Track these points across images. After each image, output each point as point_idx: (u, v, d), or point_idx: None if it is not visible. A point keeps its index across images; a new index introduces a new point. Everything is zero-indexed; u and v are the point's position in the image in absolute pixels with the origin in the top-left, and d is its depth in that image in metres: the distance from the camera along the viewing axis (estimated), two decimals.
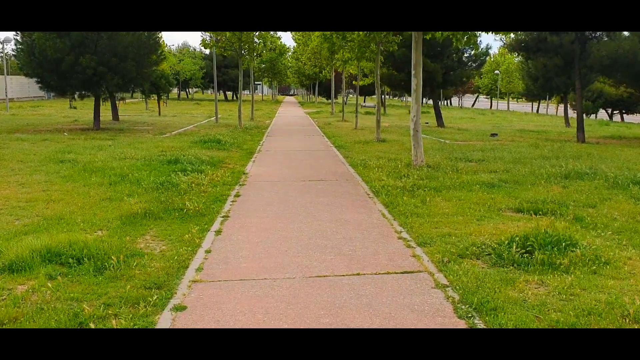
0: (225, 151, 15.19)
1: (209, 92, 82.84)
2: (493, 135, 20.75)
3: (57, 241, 5.89)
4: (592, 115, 47.11)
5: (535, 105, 69.60)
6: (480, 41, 31.68)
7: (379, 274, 5.16)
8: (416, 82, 12.04)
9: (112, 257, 5.56)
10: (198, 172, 10.82)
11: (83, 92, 22.21)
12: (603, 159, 13.42)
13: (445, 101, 77.66)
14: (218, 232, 6.67)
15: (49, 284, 4.88)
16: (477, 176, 10.55)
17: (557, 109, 59.53)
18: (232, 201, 8.56)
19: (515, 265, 5.24)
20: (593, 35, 19.25)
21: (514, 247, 5.46)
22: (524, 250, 5.41)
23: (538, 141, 18.48)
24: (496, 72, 66.58)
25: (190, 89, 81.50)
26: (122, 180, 9.93)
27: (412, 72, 12.09)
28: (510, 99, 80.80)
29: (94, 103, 22.26)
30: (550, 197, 8.57)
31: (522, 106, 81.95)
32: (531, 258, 5.28)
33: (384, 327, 4.01)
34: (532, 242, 5.46)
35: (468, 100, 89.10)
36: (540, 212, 7.44)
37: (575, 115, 44.11)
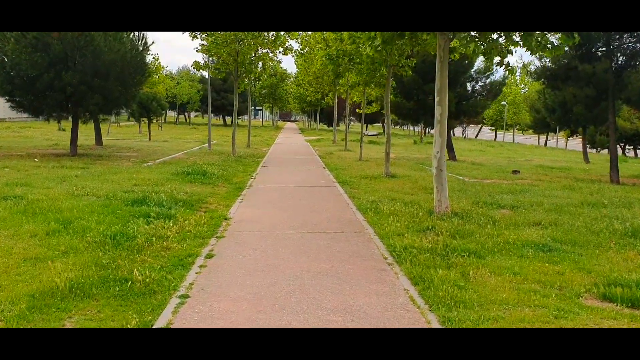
0: (209, 186, 12.92)
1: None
2: (515, 172, 18.53)
3: None
4: (605, 149, 45.04)
5: (542, 137, 67.66)
6: (497, 69, 29.60)
7: None
8: (440, 111, 9.85)
9: None
10: (166, 217, 8.52)
11: (60, 114, 20.09)
12: None
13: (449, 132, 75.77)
14: None
15: None
16: (521, 232, 8.27)
17: (566, 142, 57.56)
18: (201, 266, 6.25)
19: None
20: (630, 63, 17.17)
21: None
22: None
23: (569, 181, 16.23)
24: (503, 103, 64.70)
25: (188, 113, 79.71)
26: (65, 228, 7.64)
27: (436, 98, 9.89)
28: (516, 130, 79.02)
29: (72, 126, 20.06)
30: (635, 271, 6.28)
31: (527, 138, 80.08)
32: None
33: None
34: None
35: (471, 131, 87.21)
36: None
37: (595, 151, 41.89)
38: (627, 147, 46.07)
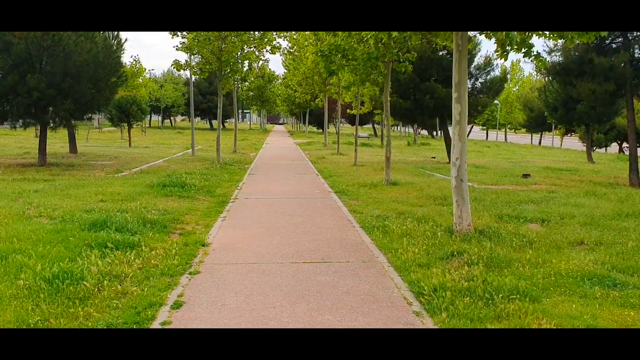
0: (188, 200, 11.26)
1: (196, 120, 79.00)
2: (525, 176, 17.00)
3: None
4: (603, 148, 43.84)
5: (535, 136, 66.51)
6: (497, 64, 28.03)
7: None
8: (460, 110, 8.24)
9: None
10: (128, 247, 6.86)
11: (27, 120, 18.27)
12: None
13: (440, 132, 74.27)
14: None
15: None
16: (567, 257, 6.69)
17: (561, 141, 56.40)
18: (163, 324, 4.61)
19: None
20: None
21: None
22: None
23: (588, 186, 14.73)
24: (495, 102, 63.42)
25: (173, 117, 77.80)
26: None
27: (454, 95, 8.29)
28: (507, 129, 77.87)
29: (40, 133, 18.30)
30: None
31: (519, 137, 79.01)
32: None
33: None
34: None
35: None
36: None
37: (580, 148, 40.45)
38: (626, 145, 44.88)
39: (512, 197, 12.00)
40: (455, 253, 6.77)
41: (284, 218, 9.60)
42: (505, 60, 8.59)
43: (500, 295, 5.13)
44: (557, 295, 5.30)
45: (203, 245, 7.40)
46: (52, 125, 18.28)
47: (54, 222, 8.34)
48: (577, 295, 5.32)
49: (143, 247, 6.85)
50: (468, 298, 5.07)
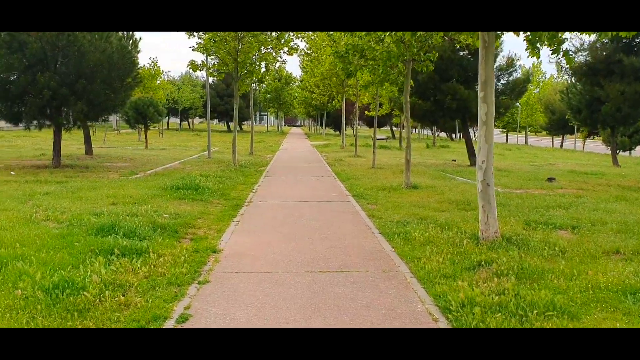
0: (201, 203, 10.92)
1: (214, 122, 79.07)
2: (550, 179, 16.42)
3: None
4: (628, 151, 42.77)
5: (557, 139, 65.39)
6: (519, 65, 27.24)
7: None
8: (486, 110, 7.77)
9: None
10: (134, 253, 6.50)
11: (41, 121, 18.09)
12: None
13: (459, 134, 73.28)
14: None
15: None
16: (605, 268, 6.19)
17: (584, 144, 55.35)
18: None
19: None
20: None
21: None
22: None
23: (617, 191, 14.11)
24: (516, 104, 62.47)
25: (191, 119, 77.99)
26: None
27: (480, 94, 7.83)
28: (528, 132, 76.73)
29: (54, 134, 18.10)
30: None
31: (540, 140, 77.87)
32: None
33: None
34: None
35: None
36: None
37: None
38: None
39: (538, 201, 11.49)
40: (482, 263, 6.31)
41: (299, 223, 9.20)
42: (538, 58, 8.13)
43: (535, 312, 4.67)
44: (598, 312, 4.83)
45: (214, 252, 7.03)
46: (66, 126, 18.11)
47: (60, 226, 8.04)
48: (620, 312, 4.84)
49: (151, 254, 6.49)
50: (500, 314, 4.62)
